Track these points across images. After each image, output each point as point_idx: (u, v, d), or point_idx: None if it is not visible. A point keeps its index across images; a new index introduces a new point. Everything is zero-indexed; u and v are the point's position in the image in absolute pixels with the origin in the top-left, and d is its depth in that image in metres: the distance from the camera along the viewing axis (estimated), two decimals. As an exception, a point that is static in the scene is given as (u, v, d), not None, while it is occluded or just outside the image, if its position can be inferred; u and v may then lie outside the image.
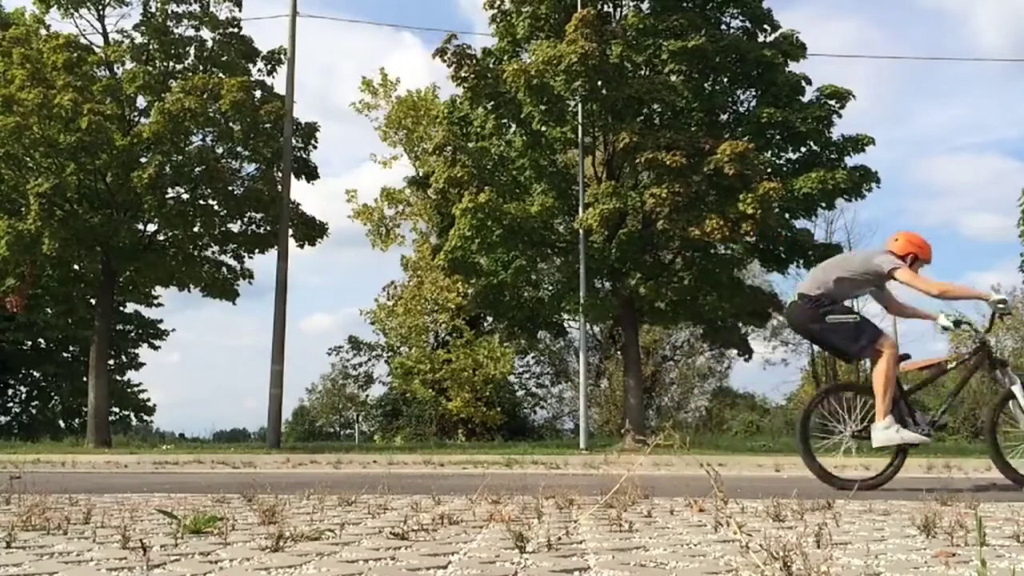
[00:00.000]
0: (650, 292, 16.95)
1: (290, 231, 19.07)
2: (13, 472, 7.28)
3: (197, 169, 18.13)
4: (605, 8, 18.58)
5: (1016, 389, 5.34)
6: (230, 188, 18.78)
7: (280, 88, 19.80)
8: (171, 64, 19.46)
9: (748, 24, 18.74)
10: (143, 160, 18.12)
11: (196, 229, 18.96)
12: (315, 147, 20.54)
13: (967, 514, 2.80)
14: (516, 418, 32.46)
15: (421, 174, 22.73)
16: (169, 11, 19.34)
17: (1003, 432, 5.46)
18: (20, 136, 16.83)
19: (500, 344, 28.50)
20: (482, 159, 18.37)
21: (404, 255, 30.66)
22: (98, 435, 18.10)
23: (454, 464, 10.43)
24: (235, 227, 19.68)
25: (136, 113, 19.24)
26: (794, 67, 18.19)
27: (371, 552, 2.11)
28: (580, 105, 17.32)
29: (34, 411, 31.59)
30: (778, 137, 17.99)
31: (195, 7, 19.59)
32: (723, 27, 18.66)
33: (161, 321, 31.33)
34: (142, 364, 32.21)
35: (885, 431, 5.36)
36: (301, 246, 20.00)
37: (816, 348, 32.70)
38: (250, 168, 19.97)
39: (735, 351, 21.60)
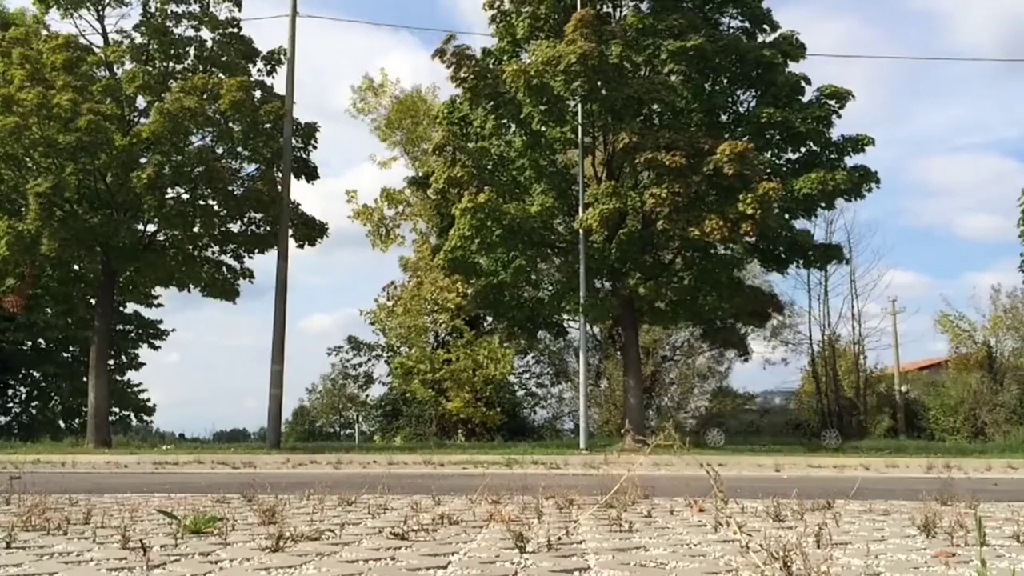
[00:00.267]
0: (650, 292, 16.94)
1: (290, 231, 19.06)
2: (13, 472, 7.27)
3: (197, 169, 18.11)
4: (604, 8, 18.58)
5: None
6: (230, 188, 18.76)
7: (280, 88, 19.82)
8: (171, 64, 19.44)
9: (747, 24, 18.74)
10: (143, 160, 18.11)
11: (196, 229, 18.95)
12: (315, 147, 20.54)
13: (967, 514, 2.79)
14: (516, 418, 32.43)
15: (420, 174, 22.71)
16: (169, 11, 19.33)
17: None
18: (20, 136, 16.82)
19: (500, 344, 28.48)
20: (482, 159, 18.37)
21: (403, 256, 30.65)
22: (98, 435, 18.10)
23: (454, 464, 10.42)
24: (235, 227, 19.67)
25: (136, 113, 19.22)
26: (792, 67, 18.19)
27: (371, 552, 2.11)
28: (580, 105, 17.31)
29: (34, 411, 31.57)
30: (778, 137, 17.98)
31: (195, 7, 19.58)
32: (722, 27, 18.66)
33: (161, 321, 31.34)
34: (142, 364, 32.22)
35: None
36: (301, 246, 19.99)
37: (816, 348, 32.73)
38: (250, 168, 19.98)
39: (733, 351, 21.62)
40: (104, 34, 19.73)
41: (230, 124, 18.58)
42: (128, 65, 19.22)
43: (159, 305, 27.98)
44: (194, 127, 18.13)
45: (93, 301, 20.94)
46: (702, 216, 15.81)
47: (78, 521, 2.76)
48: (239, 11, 20.14)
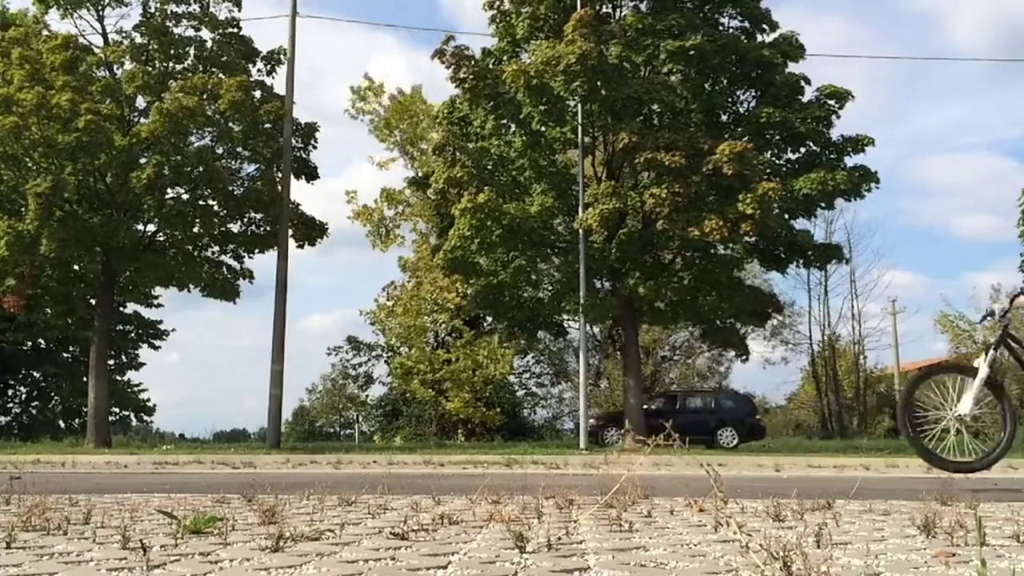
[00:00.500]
0: (650, 292, 16.95)
1: (290, 231, 19.06)
2: (13, 472, 7.27)
3: (197, 169, 18.12)
4: (604, 8, 18.59)
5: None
6: (230, 188, 18.77)
7: (280, 88, 19.82)
8: (170, 64, 19.45)
9: (747, 24, 18.76)
10: (143, 160, 18.11)
11: (196, 229, 18.95)
12: (315, 147, 20.55)
13: (967, 514, 2.80)
14: (516, 418, 32.47)
15: (420, 174, 22.73)
16: (168, 11, 19.33)
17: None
18: (19, 136, 16.82)
19: (500, 344, 28.49)
20: (482, 159, 18.38)
21: (402, 256, 30.67)
22: (98, 435, 18.10)
23: (454, 464, 10.43)
24: (235, 227, 19.68)
25: (135, 113, 19.22)
26: (792, 67, 18.21)
27: (371, 552, 2.11)
28: (579, 105, 17.32)
29: (34, 411, 31.58)
30: (777, 137, 17.99)
31: (195, 7, 19.59)
32: (721, 27, 18.67)
33: (161, 321, 31.35)
34: (142, 364, 32.24)
35: None
36: (301, 246, 20.00)
37: (816, 348, 32.76)
38: (250, 168, 19.99)
39: (733, 352, 21.63)
40: (104, 34, 19.74)
41: (230, 124, 18.59)
42: (128, 65, 19.22)
43: (159, 305, 28.00)
44: (194, 127, 18.13)
45: (93, 301, 20.94)
46: (702, 216, 15.82)
47: (78, 521, 2.76)
48: (239, 11, 20.16)
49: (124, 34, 19.48)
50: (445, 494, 3.85)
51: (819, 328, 32.45)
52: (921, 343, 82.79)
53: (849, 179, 17.11)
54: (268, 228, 19.42)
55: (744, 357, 20.31)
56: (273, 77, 20.37)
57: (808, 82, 18.02)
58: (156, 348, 31.61)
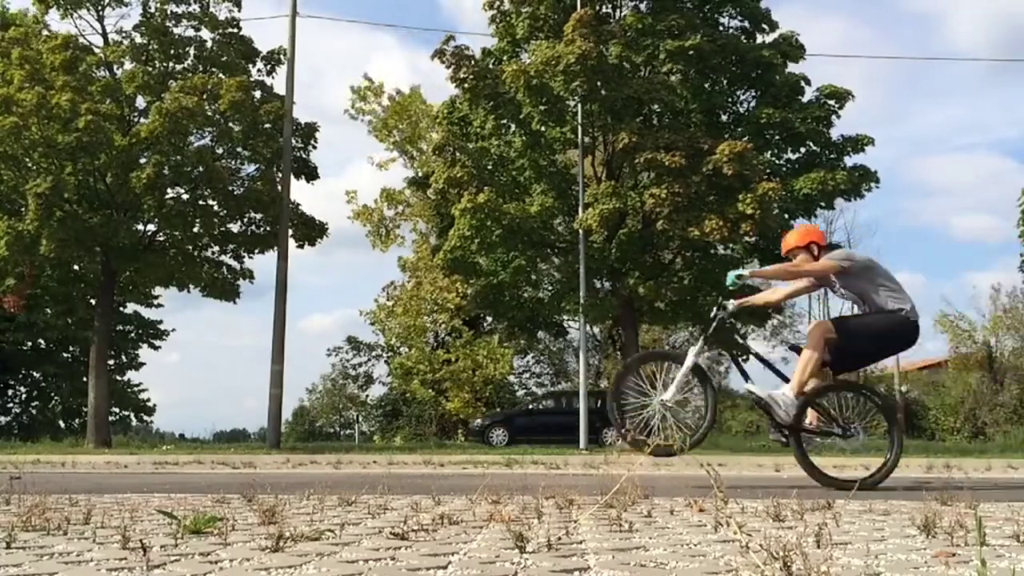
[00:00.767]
0: (650, 292, 16.95)
1: (290, 231, 19.06)
2: (13, 472, 7.27)
3: (197, 169, 18.12)
4: (604, 9, 18.59)
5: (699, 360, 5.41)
6: (230, 188, 18.77)
7: (280, 88, 19.82)
8: (170, 64, 19.44)
9: (747, 24, 18.77)
10: (142, 160, 18.11)
11: (196, 229, 18.95)
12: (315, 147, 20.55)
13: (967, 514, 2.80)
14: (516, 418, 32.40)
15: (420, 174, 22.74)
16: (168, 11, 19.33)
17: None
18: (19, 136, 16.82)
19: (500, 344, 28.50)
20: (482, 159, 18.38)
21: (402, 256, 30.69)
22: (98, 435, 18.10)
23: (454, 464, 10.42)
24: (235, 227, 19.67)
25: (135, 113, 19.22)
26: (792, 67, 18.21)
27: (371, 552, 2.11)
28: (579, 105, 17.32)
29: (34, 411, 31.57)
30: (777, 137, 18.00)
31: (195, 7, 19.58)
32: (721, 27, 18.67)
33: (161, 321, 31.35)
34: (142, 364, 32.24)
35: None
36: (301, 246, 20.00)
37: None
38: (250, 168, 19.99)
39: (733, 352, 21.63)
40: (104, 34, 19.74)
41: (230, 124, 18.59)
42: (128, 65, 19.22)
43: (159, 305, 28.00)
44: (194, 127, 18.13)
45: (93, 301, 20.93)
46: (702, 216, 15.82)
47: (78, 521, 2.76)
48: (239, 11, 20.16)
49: (124, 34, 19.49)
50: (445, 494, 3.85)
51: (819, 328, 32.41)
52: (921, 343, 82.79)
53: (849, 179, 17.12)
54: (268, 228, 19.42)
55: (744, 357, 20.30)
56: (273, 77, 20.39)
57: (808, 82, 18.03)
58: (156, 348, 31.63)
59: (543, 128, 17.54)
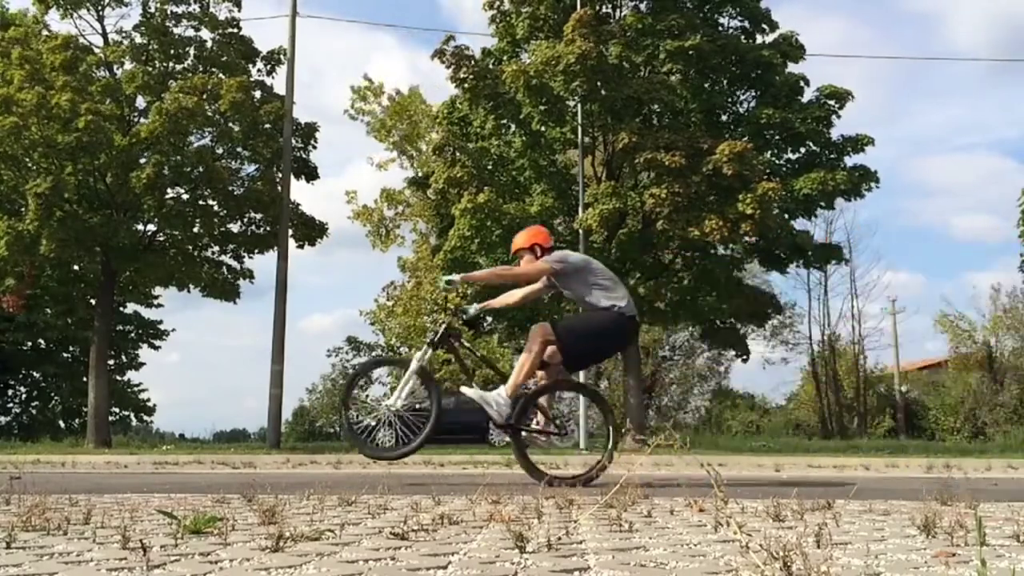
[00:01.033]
0: (650, 292, 16.95)
1: (290, 231, 19.07)
2: (13, 472, 7.27)
3: (197, 169, 18.13)
4: (604, 9, 18.59)
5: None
6: (230, 188, 18.78)
7: (280, 88, 19.83)
8: (170, 64, 19.45)
9: (746, 24, 18.76)
10: (142, 160, 18.11)
11: (196, 229, 18.96)
12: (315, 147, 20.56)
13: (967, 514, 2.80)
14: (516, 418, 32.38)
15: (420, 174, 22.74)
16: (168, 11, 19.34)
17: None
18: (19, 136, 16.83)
19: (500, 344, 28.47)
20: (482, 159, 18.38)
21: (401, 256, 30.70)
22: (98, 435, 18.10)
23: (454, 464, 10.42)
24: (235, 227, 19.69)
25: (135, 113, 19.23)
26: (791, 67, 18.21)
27: (371, 552, 2.11)
28: (579, 105, 17.32)
29: (34, 411, 31.56)
30: (777, 137, 18.00)
31: (195, 7, 19.59)
32: (721, 27, 18.67)
33: (161, 321, 31.32)
34: (142, 364, 32.22)
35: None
36: (301, 246, 20.00)
37: (816, 348, 32.75)
38: (250, 168, 20.00)
39: (733, 352, 21.63)
40: (104, 34, 19.75)
41: (230, 124, 18.59)
42: (128, 65, 19.23)
43: (159, 305, 28.00)
44: (194, 127, 18.14)
45: (93, 301, 20.94)
46: (702, 216, 15.81)
47: (78, 521, 2.76)
48: (239, 11, 20.17)
49: (124, 34, 19.50)
50: (445, 494, 3.85)
51: (819, 328, 32.46)
52: (921, 343, 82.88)
53: (849, 179, 17.12)
54: (268, 228, 19.43)
55: (744, 357, 20.30)
56: (273, 77, 20.40)
57: (807, 82, 18.03)
58: (156, 348, 31.61)
59: (543, 128, 17.54)
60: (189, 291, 19.95)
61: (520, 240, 5.84)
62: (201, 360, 74.34)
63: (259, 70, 20.21)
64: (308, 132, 20.41)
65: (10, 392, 31.65)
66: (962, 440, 24.41)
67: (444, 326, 5.75)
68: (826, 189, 16.97)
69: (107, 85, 18.35)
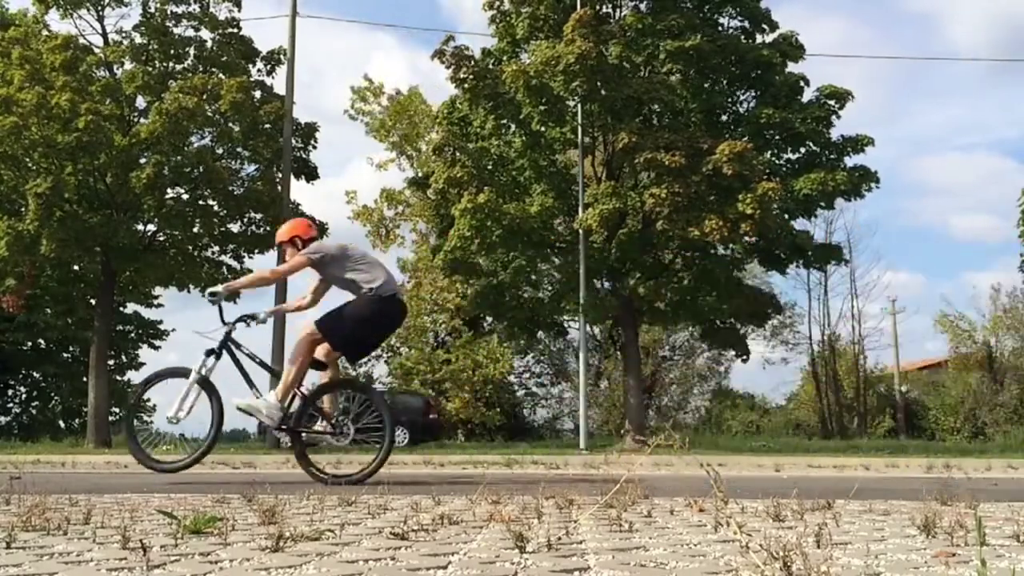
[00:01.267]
0: (650, 292, 16.95)
1: (290, 231, 19.05)
2: (13, 472, 7.27)
3: (197, 169, 18.13)
4: (604, 9, 18.59)
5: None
6: (230, 188, 18.79)
7: (280, 88, 19.83)
8: (170, 64, 19.46)
9: (746, 24, 18.76)
10: (142, 160, 18.12)
11: (196, 229, 18.97)
12: (315, 147, 20.58)
13: (967, 514, 2.80)
14: (516, 418, 32.44)
15: (419, 175, 22.73)
16: (168, 11, 19.34)
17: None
18: (19, 136, 16.84)
19: (499, 344, 28.49)
20: (482, 159, 18.38)
21: (400, 257, 30.70)
22: (98, 435, 18.10)
23: (454, 464, 10.42)
24: (235, 227, 19.70)
25: (136, 113, 19.23)
26: (791, 67, 18.21)
27: (371, 552, 2.11)
28: (579, 105, 17.32)
29: (34, 411, 31.55)
30: (777, 138, 17.99)
31: (195, 7, 19.60)
32: (721, 27, 18.66)
33: (161, 321, 31.32)
34: (142, 364, 32.20)
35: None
36: (301, 246, 19.98)
37: (816, 348, 32.74)
38: (250, 168, 20.01)
39: (733, 352, 21.63)
40: (104, 34, 19.75)
41: (230, 124, 18.60)
42: (128, 65, 19.24)
43: (159, 305, 27.99)
44: (194, 127, 18.15)
45: (93, 301, 20.94)
46: (702, 216, 15.81)
47: (78, 521, 2.76)
48: (239, 11, 20.19)
49: (124, 34, 19.51)
50: (445, 494, 3.85)
51: (819, 328, 32.45)
52: (921, 343, 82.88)
53: (849, 179, 17.11)
54: (268, 228, 19.42)
55: (744, 357, 20.30)
56: (273, 77, 20.41)
57: (807, 82, 18.03)
58: (156, 348, 31.61)
59: (543, 128, 17.54)
60: (189, 291, 19.97)
61: (280, 234, 5.89)
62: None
63: (259, 70, 20.24)
64: (308, 132, 20.41)
65: (10, 392, 31.65)
66: (962, 440, 24.42)
67: (224, 334, 5.78)
68: (826, 189, 16.96)
69: (107, 85, 18.35)
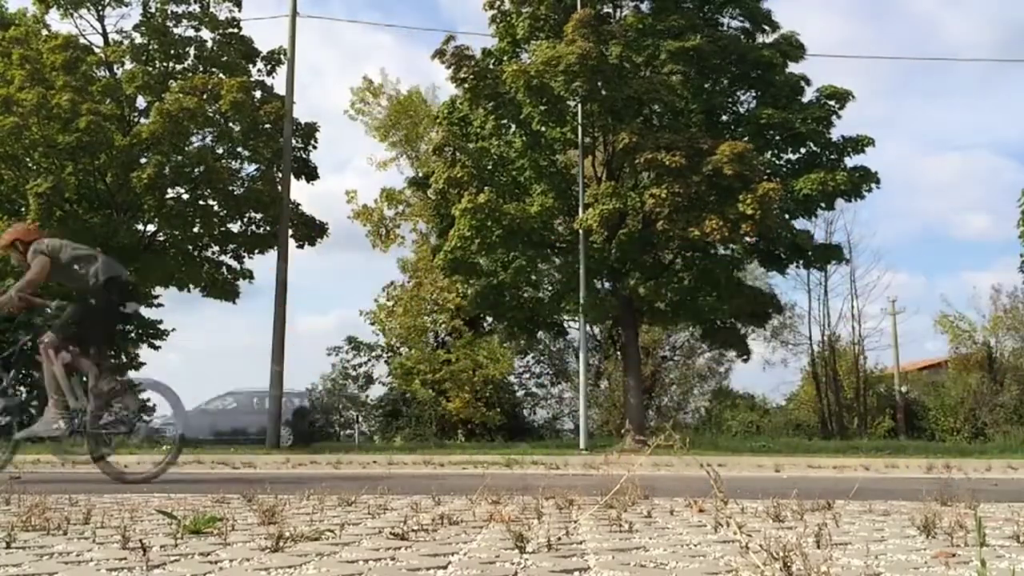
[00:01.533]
0: (650, 292, 16.94)
1: (290, 231, 19.07)
2: (13, 472, 7.27)
3: (197, 169, 18.13)
4: (604, 9, 18.58)
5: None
6: (230, 188, 18.78)
7: (280, 88, 19.83)
8: (171, 64, 19.47)
9: (747, 24, 18.75)
10: (143, 160, 18.12)
11: (196, 229, 18.97)
12: (315, 147, 20.57)
13: (967, 514, 2.80)
14: (516, 418, 32.40)
15: (420, 174, 22.72)
16: (169, 11, 19.35)
17: None
18: (19, 136, 16.84)
19: (500, 344, 28.48)
20: (482, 159, 18.37)
21: (401, 257, 30.68)
22: (98, 435, 18.09)
23: (454, 464, 10.42)
24: (235, 227, 19.70)
25: (136, 113, 19.24)
26: (792, 67, 18.20)
27: (371, 552, 2.11)
28: (580, 105, 17.31)
29: (34, 412, 31.52)
30: (778, 138, 17.98)
31: (195, 7, 19.61)
32: (722, 27, 18.66)
33: (161, 321, 31.27)
34: (142, 364, 32.16)
35: None
36: (301, 246, 20.01)
37: (816, 348, 32.74)
38: (250, 168, 20.01)
39: (733, 352, 21.63)
40: (104, 34, 19.77)
41: (230, 124, 18.61)
42: (128, 65, 19.24)
43: (159, 305, 27.97)
44: (194, 127, 18.15)
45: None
46: (702, 216, 15.80)
47: (78, 521, 2.76)
48: (239, 11, 20.19)
49: (124, 34, 19.52)
50: (445, 494, 3.85)
51: (819, 328, 32.42)
52: (920, 343, 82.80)
53: (849, 179, 17.10)
54: (268, 228, 19.44)
55: (745, 357, 20.29)
56: (273, 77, 20.41)
57: (808, 82, 18.02)
58: (156, 348, 31.57)
59: (543, 128, 17.53)
60: (189, 291, 19.97)
61: (3, 240, 5.93)
62: (201, 360, 74.24)
63: (259, 70, 20.24)
64: (308, 132, 20.41)
65: (10, 392, 31.63)
66: (962, 440, 24.40)
67: (22, 344, 5.84)
68: (826, 189, 16.96)
69: (107, 85, 18.35)
